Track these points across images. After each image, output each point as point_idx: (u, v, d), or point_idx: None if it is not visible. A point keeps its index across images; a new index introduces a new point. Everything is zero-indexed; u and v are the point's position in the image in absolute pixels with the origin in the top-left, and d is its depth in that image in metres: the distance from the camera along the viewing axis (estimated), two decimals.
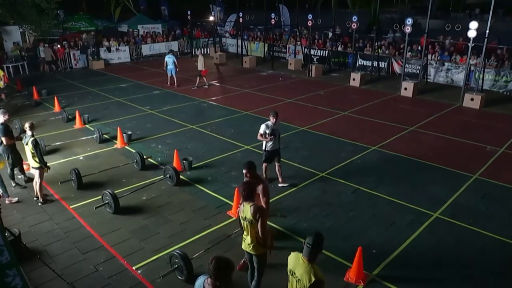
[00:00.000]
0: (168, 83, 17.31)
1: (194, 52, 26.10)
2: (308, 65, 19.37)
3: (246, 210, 4.63)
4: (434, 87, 16.79)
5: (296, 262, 3.75)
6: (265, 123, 7.84)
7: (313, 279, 3.55)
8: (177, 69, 17.02)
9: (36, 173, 7.40)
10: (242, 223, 4.80)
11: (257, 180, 5.47)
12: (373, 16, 28.48)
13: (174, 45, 25.62)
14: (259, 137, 7.88)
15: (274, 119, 7.73)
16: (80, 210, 7.31)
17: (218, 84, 18.06)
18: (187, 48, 26.42)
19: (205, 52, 26.61)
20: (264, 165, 8.10)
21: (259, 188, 5.33)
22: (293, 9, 24.00)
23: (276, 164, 8.09)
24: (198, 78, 16.82)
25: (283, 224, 6.84)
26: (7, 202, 7.42)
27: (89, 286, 5.40)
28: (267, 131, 7.75)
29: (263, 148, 8.03)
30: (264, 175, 8.09)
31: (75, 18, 25.59)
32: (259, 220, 4.58)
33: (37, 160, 7.30)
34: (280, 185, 8.13)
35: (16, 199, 7.65)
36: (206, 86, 16.91)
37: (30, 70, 20.05)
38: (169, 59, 16.89)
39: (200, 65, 16.60)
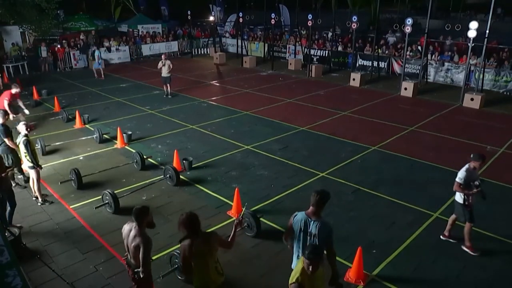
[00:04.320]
0: (96, 75, 18.70)
1: (195, 52, 26.14)
2: (308, 65, 19.37)
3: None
4: (434, 87, 16.79)
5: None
6: (465, 169, 5.84)
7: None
8: (103, 67, 19.06)
9: (31, 172, 7.38)
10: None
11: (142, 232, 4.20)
12: (373, 16, 28.48)
13: (174, 45, 25.63)
14: (457, 189, 5.89)
15: (479, 164, 5.83)
16: (80, 210, 7.31)
17: (218, 84, 18.06)
18: (187, 48, 26.40)
19: (205, 52, 26.67)
20: (470, 225, 6.02)
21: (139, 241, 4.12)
22: (293, 9, 24.01)
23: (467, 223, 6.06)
24: (166, 86, 15.22)
25: (283, 224, 6.83)
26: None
27: (89, 286, 5.41)
28: (475, 182, 5.78)
29: (462, 202, 5.97)
30: (468, 244, 6.09)
31: (75, 18, 25.56)
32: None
33: (29, 159, 7.27)
34: (465, 249, 6.11)
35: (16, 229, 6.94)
36: (167, 96, 15.32)
37: (30, 70, 20.05)
38: (98, 54, 19.05)
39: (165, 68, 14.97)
